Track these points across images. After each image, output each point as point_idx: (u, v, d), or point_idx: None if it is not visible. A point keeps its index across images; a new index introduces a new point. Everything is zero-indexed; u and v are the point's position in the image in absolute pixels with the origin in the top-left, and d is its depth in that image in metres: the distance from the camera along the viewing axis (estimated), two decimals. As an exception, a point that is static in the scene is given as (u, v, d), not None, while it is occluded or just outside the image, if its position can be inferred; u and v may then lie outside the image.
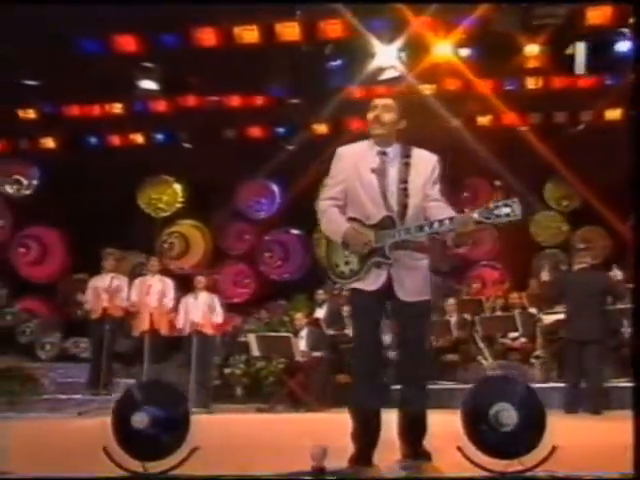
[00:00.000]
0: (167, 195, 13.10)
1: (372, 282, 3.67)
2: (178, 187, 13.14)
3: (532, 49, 9.97)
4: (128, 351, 10.05)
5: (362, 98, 11.24)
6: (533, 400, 3.31)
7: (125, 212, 12.21)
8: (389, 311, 3.83)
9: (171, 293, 9.14)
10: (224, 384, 10.53)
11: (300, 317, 9.87)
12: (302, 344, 9.37)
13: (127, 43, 9.08)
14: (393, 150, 3.76)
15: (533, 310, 9.80)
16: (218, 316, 9.22)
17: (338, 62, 10.60)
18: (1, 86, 10.16)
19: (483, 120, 11.83)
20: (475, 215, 3.45)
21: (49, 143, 11.99)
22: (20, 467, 3.36)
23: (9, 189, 12.15)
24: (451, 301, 10.03)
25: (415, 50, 10.08)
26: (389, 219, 3.63)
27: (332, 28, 8.63)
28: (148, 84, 10.54)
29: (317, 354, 9.30)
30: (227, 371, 10.53)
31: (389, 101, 3.78)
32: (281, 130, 12.21)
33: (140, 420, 3.37)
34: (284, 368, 9.40)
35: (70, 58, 9.62)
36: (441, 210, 3.67)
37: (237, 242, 13.22)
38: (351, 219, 3.73)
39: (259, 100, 11.47)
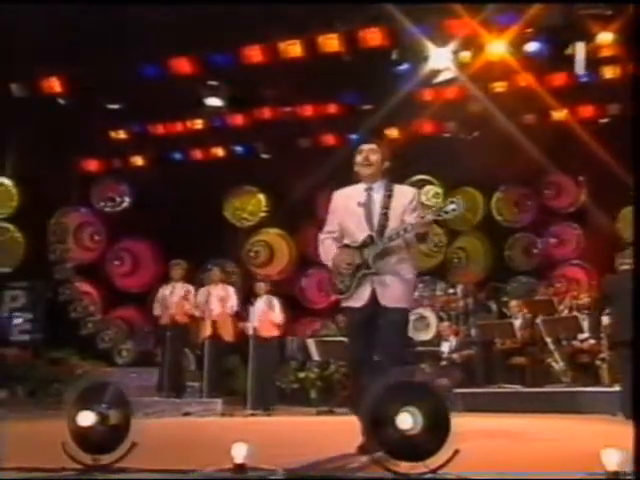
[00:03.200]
0: (251, 205, 13.53)
1: (359, 298, 4.33)
2: (262, 197, 13.54)
3: (605, 37, 9.57)
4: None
5: (432, 100, 11.29)
6: (436, 403, 3.33)
7: (211, 223, 12.73)
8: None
9: (233, 301, 9.47)
10: (300, 387, 10.84)
11: (363, 321, 9.91)
12: (362, 348, 9.42)
13: (183, 65, 9.58)
14: (378, 186, 4.46)
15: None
16: (277, 320, 9.48)
17: (405, 66, 10.69)
18: (94, 111, 11.08)
19: (560, 115, 11.44)
20: (429, 216, 4.23)
21: (138, 161, 12.81)
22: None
23: (104, 207, 13.05)
24: (514, 302, 9.76)
25: (476, 49, 9.98)
26: (370, 237, 4.33)
27: (371, 37, 8.70)
28: (225, 101, 11.09)
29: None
30: (301, 375, 10.82)
31: (374, 145, 4.51)
32: (354, 137, 12.37)
33: (85, 418, 3.73)
34: (345, 372, 9.53)
35: (147, 81, 10.31)
36: None
37: (321, 248, 13.46)
38: (344, 245, 4.44)
39: (331, 108, 11.75)
